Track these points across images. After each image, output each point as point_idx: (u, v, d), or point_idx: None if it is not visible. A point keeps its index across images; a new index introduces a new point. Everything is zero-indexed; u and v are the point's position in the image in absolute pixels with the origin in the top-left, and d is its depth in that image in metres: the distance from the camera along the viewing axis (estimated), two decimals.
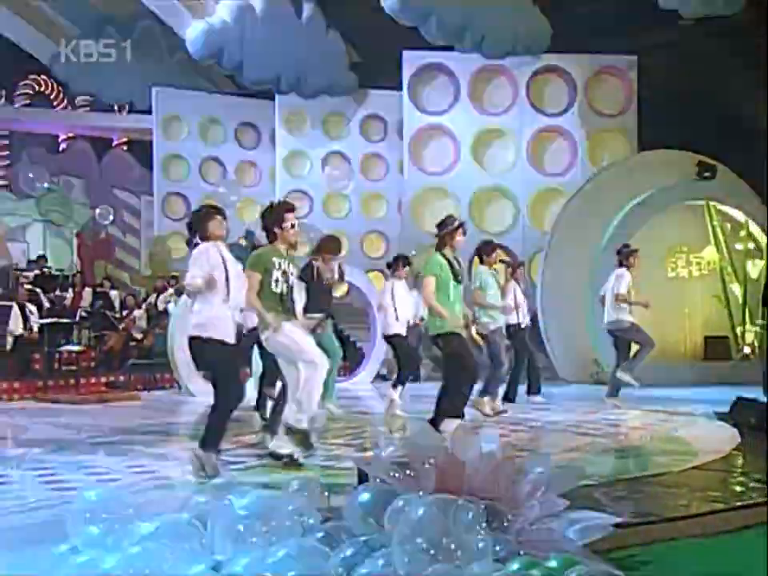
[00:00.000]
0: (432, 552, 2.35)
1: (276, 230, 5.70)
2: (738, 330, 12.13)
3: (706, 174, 11.92)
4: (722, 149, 12.81)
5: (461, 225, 6.74)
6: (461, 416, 6.52)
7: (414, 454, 3.45)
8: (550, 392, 10.64)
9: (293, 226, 5.69)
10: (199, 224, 5.44)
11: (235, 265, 5.44)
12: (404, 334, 9.01)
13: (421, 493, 3.21)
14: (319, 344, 8.22)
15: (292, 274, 5.76)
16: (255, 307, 5.70)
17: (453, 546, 2.37)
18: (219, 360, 5.33)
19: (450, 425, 6.53)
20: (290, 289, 5.74)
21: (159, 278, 13.72)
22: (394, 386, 8.80)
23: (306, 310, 7.15)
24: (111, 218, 17.51)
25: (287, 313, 5.69)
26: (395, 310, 8.96)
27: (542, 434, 7.57)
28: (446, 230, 6.68)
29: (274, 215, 5.73)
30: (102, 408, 9.57)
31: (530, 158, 15.59)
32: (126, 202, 19.20)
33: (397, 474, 3.16)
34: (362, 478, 3.99)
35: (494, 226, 15.46)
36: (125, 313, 12.47)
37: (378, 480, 3.31)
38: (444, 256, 6.65)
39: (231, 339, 5.35)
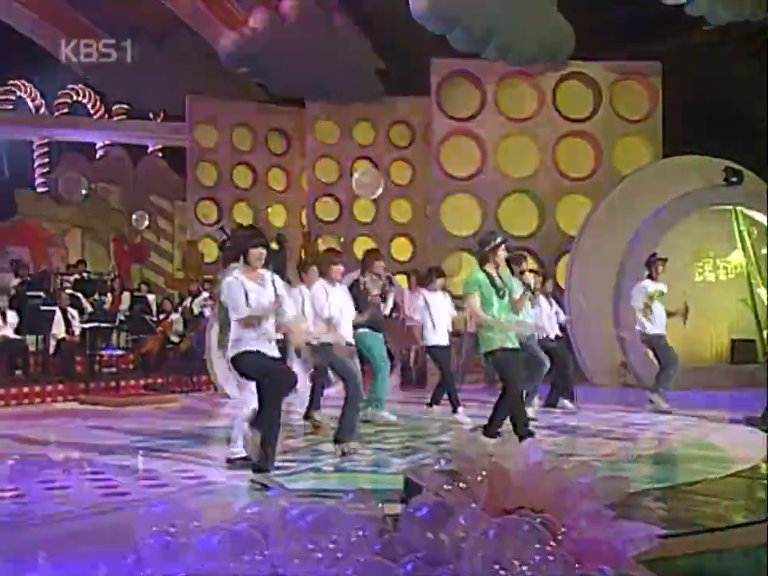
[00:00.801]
0: (497, 568, 2.35)
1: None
2: (765, 333, 12.02)
3: (733, 180, 11.81)
4: (747, 154, 12.69)
5: (503, 241, 6.67)
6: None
7: (465, 465, 3.46)
8: (579, 395, 10.61)
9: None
10: (240, 249, 5.50)
11: (260, 293, 5.45)
12: (444, 344, 8.87)
13: (473, 505, 3.23)
14: (371, 354, 8.40)
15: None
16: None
17: (516, 562, 2.38)
18: (258, 367, 5.36)
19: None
20: None
21: (193, 282, 13.80)
22: (453, 407, 8.67)
23: (356, 326, 7.25)
24: (147, 222, 17.66)
25: None
26: (432, 321, 8.93)
27: (575, 439, 7.54)
28: (489, 246, 6.63)
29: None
30: (143, 410, 9.67)
31: (555, 162, 15.56)
32: (159, 207, 19.35)
33: (449, 487, 3.18)
34: (408, 486, 4.00)
35: (519, 230, 15.42)
36: (161, 316, 12.57)
37: (429, 492, 3.32)
38: (486, 272, 6.62)
39: (270, 353, 5.44)
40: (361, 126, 17.81)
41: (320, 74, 16.13)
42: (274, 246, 17.06)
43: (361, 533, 2.81)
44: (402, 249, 17.77)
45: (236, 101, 17.81)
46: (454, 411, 8.59)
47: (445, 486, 3.23)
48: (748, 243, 12.12)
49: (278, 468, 5.94)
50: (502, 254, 6.62)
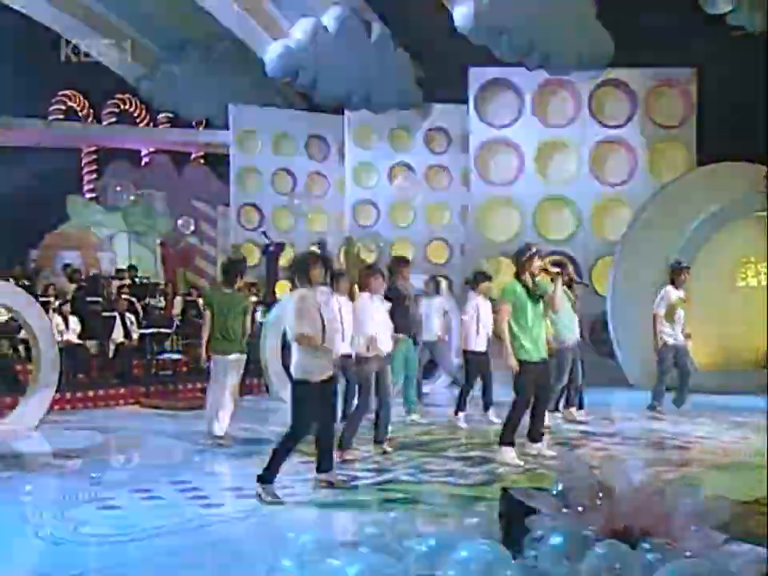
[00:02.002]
0: None
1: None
2: None
3: None
4: None
5: (537, 252, 6.80)
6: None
7: (576, 486, 3.38)
8: (623, 400, 10.54)
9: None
10: (303, 269, 5.59)
11: (330, 309, 5.67)
12: (483, 350, 8.78)
13: (591, 528, 3.15)
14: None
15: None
16: None
17: None
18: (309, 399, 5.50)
19: (506, 453, 6.61)
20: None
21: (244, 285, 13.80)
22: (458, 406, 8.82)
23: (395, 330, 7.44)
24: (192, 227, 17.69)
25: None
26: (477, 325, 8.87)
27: (641, 447, 7.46)
28: (524, 257, 6.72)
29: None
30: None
31: (591, 168, 15.42)
32: (203, 212, 19.39)
33: (566, 510, 3.10)
34: (509, 503, 3.91)
35: (556, 234, 15.31)
36: None
37: (544, 515, 3.25)
38: (521, 282, 6.69)
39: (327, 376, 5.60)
40: (399, 133, 17.75)
41: (360, 83, 16.11)
42: (316, 250, 17.17)
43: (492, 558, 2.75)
44: (438, 252, 17.70)
45: (277, 109, 17.82)
46: (485, 409, 8.79)
47: (561, 509, 3.17)
48: None
49: (355, 478, 5.94)
50: (537, 264, 6.71)
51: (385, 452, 7.03)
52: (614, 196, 15.26)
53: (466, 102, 15.65)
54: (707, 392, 10.51)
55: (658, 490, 3.51)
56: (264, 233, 16.22)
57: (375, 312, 6.99)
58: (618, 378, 12.13)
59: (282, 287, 16.60)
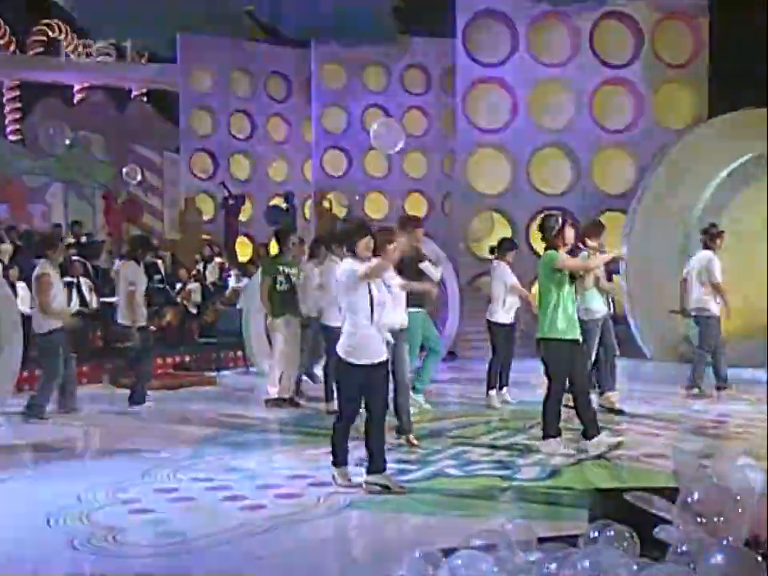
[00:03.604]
0: None
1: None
2: None
3: None
4: None
5: (565, 221, 6.58)
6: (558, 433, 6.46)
7: (707, 495, 3.04)
8: (641, 373, 10.29)
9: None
10: (351, 239, 5.49)
11: (379, 284, 5.49)
12: (509, 322, 8.54)
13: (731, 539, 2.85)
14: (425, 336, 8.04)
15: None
16: None
17: None
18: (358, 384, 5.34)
19: (547, 446, 6.28)
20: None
21: (207, 246, 13.00)
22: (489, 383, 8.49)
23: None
24: (139, 177, 16.68)
25: None
26: (505, 295, 8.49)
27: (692, 432, 7.20)
28: (554, 231, 6.48)
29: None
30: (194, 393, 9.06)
31: (592, 113, 14.93)
32: (146, 158, 18.33)
33: (704, 520, 2.89)
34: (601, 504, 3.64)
35: (552, 187, 14.82)
36: (178, 286, 11.77)
37: (680, 525, 2.93)
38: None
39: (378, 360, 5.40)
40: (372, 70, 17.01)
41: (329, 10, 15.27)
42: (283, 204, 16.43)
43: None
44: (416, 206, 17.14)
45: (233, 41, 16.85)
46: (500, 388, 8.56)
47: (699, 520, 2.92)
48: None
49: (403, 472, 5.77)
50: (569, 234, 6.53)
51: (412, 443, 6.67)
52: (616, 143, 14.86)
53: (451, 35, 14.86)
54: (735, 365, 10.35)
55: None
56: (223, 183, 15.44)
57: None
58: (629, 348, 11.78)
59: (243, 247, 15.87)
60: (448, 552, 3.10)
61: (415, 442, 6.71)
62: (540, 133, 14.78)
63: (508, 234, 12.79)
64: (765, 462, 3.42)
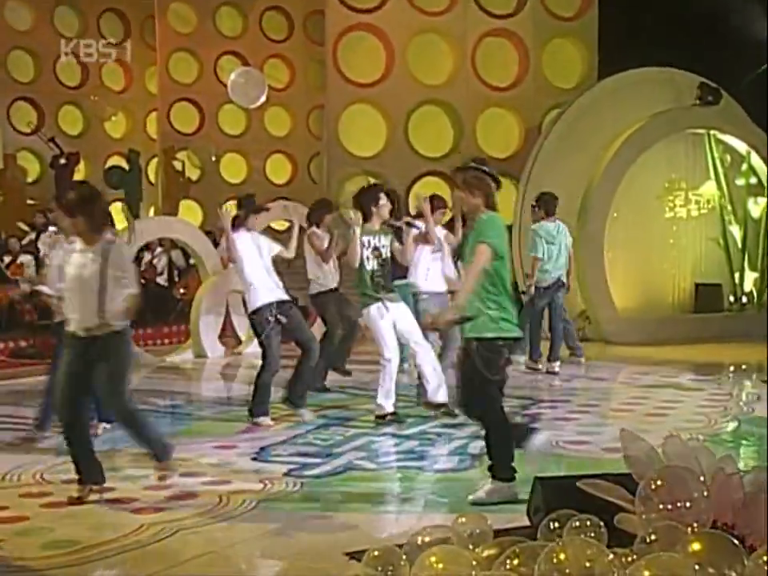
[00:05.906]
0: None
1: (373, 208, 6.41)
2: (737, 275, 12.08)
3: (710, 99, 11.52)
4: (708, 62, 12.44)
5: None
6: None
7: (681, 479, 3.17)
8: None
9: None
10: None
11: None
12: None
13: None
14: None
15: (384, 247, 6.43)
16: None
17: None
18: None
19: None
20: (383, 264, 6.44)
21: (40, 213, 12.08)
22: None
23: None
24: None
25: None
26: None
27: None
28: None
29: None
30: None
31: (474, 67, 14.87)
32: None
33: (669, 507, 3.01)
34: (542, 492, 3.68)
35: (432, 150, 14.71)
36: (7, 260, 10.89)
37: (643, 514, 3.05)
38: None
39: None
40: (225, 12, 16.37)
41: None
42: (125, 165, 15.61)
43: None
44: (279, 168, 16.71)
45: None
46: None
47: (661, 506, 3.03)
48: (721, 173, 11.96)
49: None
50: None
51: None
52: (501, 102, 14.89)
53: None
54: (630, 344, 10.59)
55: (732, 476, 3.27)
56: (53, 140, 14.51)
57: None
58: None
59: None
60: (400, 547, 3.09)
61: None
62: (418, 88, 14.60)
63: None
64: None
